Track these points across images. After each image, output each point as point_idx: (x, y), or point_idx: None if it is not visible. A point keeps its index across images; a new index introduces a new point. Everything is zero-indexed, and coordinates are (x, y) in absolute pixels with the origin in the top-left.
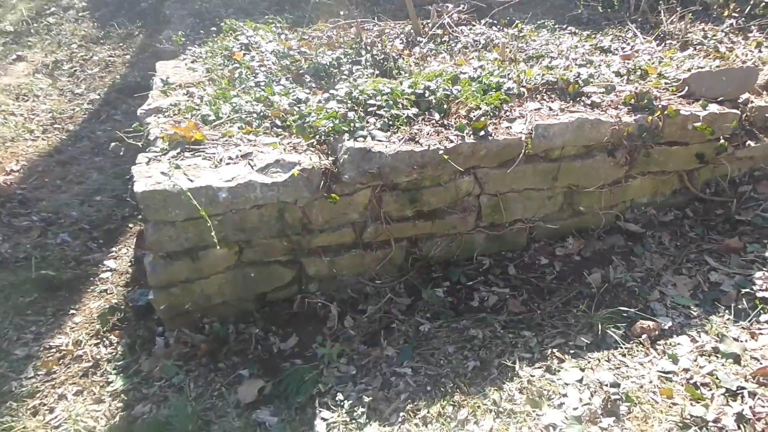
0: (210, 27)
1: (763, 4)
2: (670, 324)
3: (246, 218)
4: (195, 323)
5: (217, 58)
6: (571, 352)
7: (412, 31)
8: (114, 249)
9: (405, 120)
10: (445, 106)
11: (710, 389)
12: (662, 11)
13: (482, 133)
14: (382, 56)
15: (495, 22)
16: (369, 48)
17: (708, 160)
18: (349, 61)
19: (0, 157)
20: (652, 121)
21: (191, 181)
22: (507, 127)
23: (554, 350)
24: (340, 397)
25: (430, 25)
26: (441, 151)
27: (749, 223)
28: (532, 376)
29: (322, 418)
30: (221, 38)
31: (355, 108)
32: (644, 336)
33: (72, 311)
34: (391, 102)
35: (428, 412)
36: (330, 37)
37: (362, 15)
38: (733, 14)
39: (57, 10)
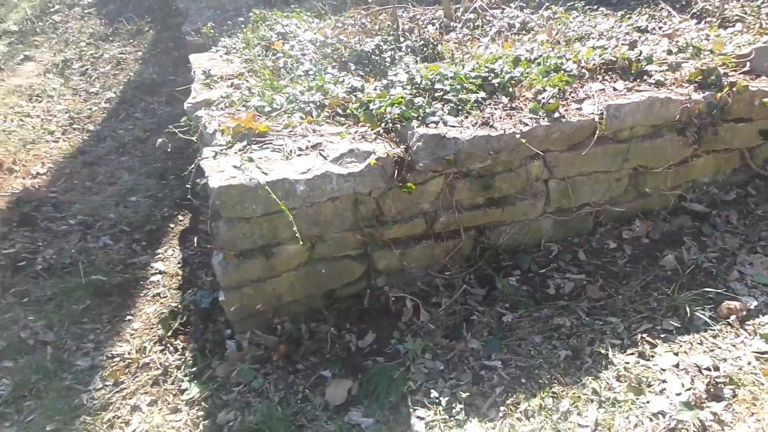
0: (233, 18)
1: None
2: (755, 304)
3: (320, 211)
4: (266, 324)
5: (255, 49)
6: (662, 336)
7: (443, 16)
8: (159, 251)
9: (474, 104)
10: (510, 89)
11: None
12: None
13: (555, 115)
14: (422, 42)
15: (524, 4)
16: (407, 34)
17: None
18: (390, 48)
19: (23, 160)
20: (721, 97)
21: (266, 174)
22: (577, 109)
23: (643, 335)
24: (434, 394)
25: (461, 10)
26: (518, 135)
27: None
28: (626, 362)
29: (419, 417)
30: (251, 29)
31: (421, 93)
32: (732, 317)
33: (128, 317)
34: (457, 86)
35: (529, 405)
36: (364, 24)
37: (392, 1)
38: None
39: (61, 7)
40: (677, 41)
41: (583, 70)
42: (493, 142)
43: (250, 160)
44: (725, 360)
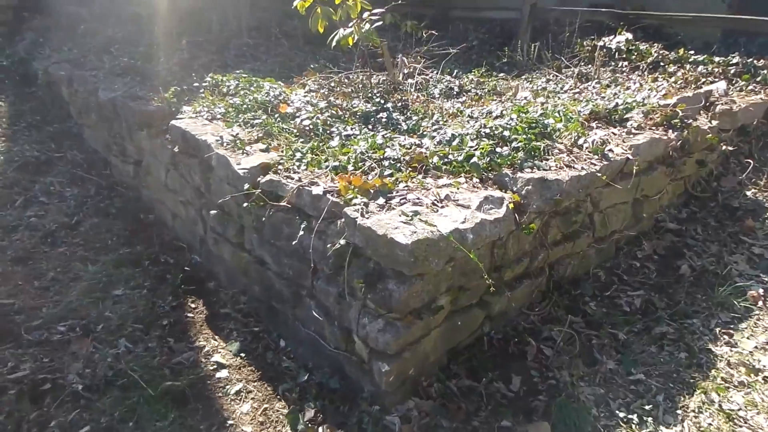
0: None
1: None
2: (762, 289)
3: (468, 260)
4: (414, 389)
5: (258, 111)
6: (730, 326)
7: (389, 80)
8: (200, 344)
9: (542, 151)
10: (555, 137)
11: None
12: (563, 58)
13: (600, 155)
14: (401, 103)
15: (438, 72)
16: (386, 96)
17: (706, 163)
18: (379, 108)
19: None
20: (686, 136)
21: (434, 226)
22: (609, 150)
23: (717, 329)
24: (619, 414)
25: (401, 75)
26: (600, 174)
27: (742, 207)
28: (725, 352)
29: None
30: (212, 93)
31: (498, 142)
32: (759, 302)
33: (229, 422)
34: (521, 135)
35: (693, 403)
36: (332, 88)
37: (323, 67)
38: (603, 59)
39: None
40: (586, 98)
41: (581, 120)
42: (583, 180)
43: (416, 213)
44: None
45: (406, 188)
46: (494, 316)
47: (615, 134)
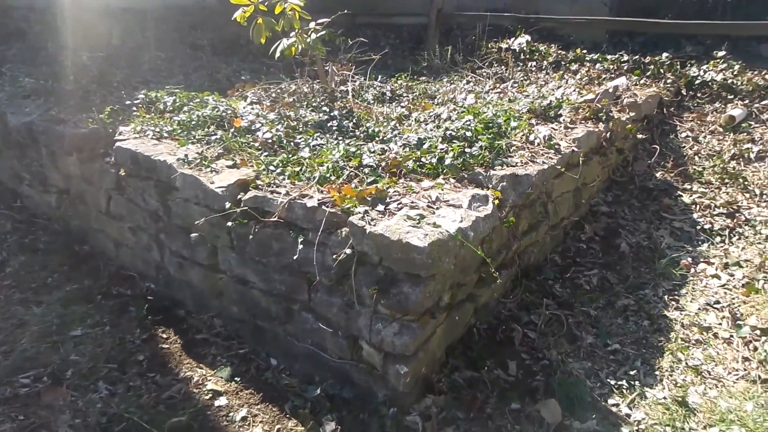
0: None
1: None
2: (690, 258)
3: (465, 257)
4: (427, 387)
5: (210, 128)
6: (674, 293)
7: (323, 89)
8: (187, 374)
9: (505, 148)
10: (509, 134)
11: None
12: (476, 60)
13: (554, 150)
14: (346, 110)
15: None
16: (330, 104)
17: (623, 151)
18: (328, 117)
19: None
20: (611, 127)
21: (439, 227)
22: (556, 144)
23: (665, 296)
24: (611, 382)
25: (333, 83)
26: (558, 166)
27: (656, 188)
28: (678, 316)
29: (615, 404)
30: (146, 111)
31: (464, 144)
32: (691, 269)
33: None
34: (482, 135)
35: (665, 364)
36: (275, 98)
37: (255, 79)
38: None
39: None
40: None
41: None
42: (546, 173)
43: (422, 217)
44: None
45: (396, 193)
46: (479, 307)
47: (555, 129)
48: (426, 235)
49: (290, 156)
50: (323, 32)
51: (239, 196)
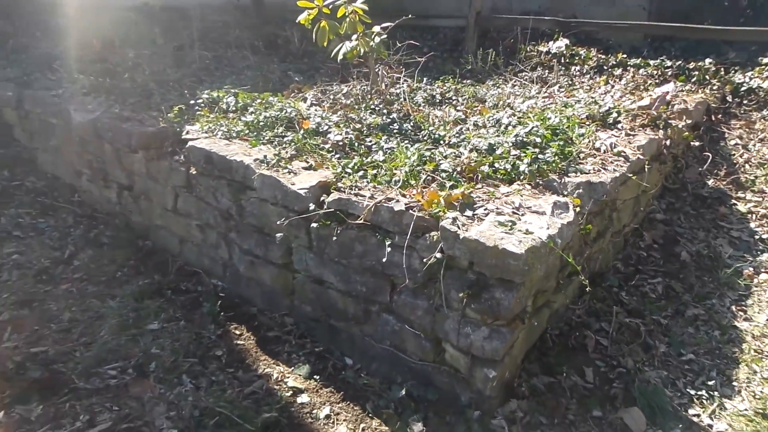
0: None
1: (568, 55)
2: (751, 268)
3: (551, 263)
4: (510, 392)
5: (278, 129)
6: (740, 304)
7: (372, 91)
8: (262, 370)
9: (576, 155)
10: (575, 141)
11: None
12: (517, 63)
13: (622, 157)
14: (402, 113)
15: (413, 80)
16: (387, 107)
17: (679, 159)
18: (388, 120)
19: None
20: (669, 134)
21: (532, 233)
22: (622, 151)
23: (731, 306)
24: (690, 391)
25: (383, 85)
26: (629, 174)
27: (710, 196)
28: (745, 326)
29: (695, 414)
30: (210, 111)
31: (538, 149)
32: (754, 280)
33: None
34: (554, 142)
35: (741, 375)
36: (331, 100)
37: (308, 80)
38: (550, 64)
39: None
40: (559, 101)
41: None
42: (618, 181)
43: (513, 223)
44: None
45: (480, 199)
46: (552, 314)
47: (616, 136)
48: (520, 242)
49: (364, 159)
50: (385, 36)
51: (321, 198)
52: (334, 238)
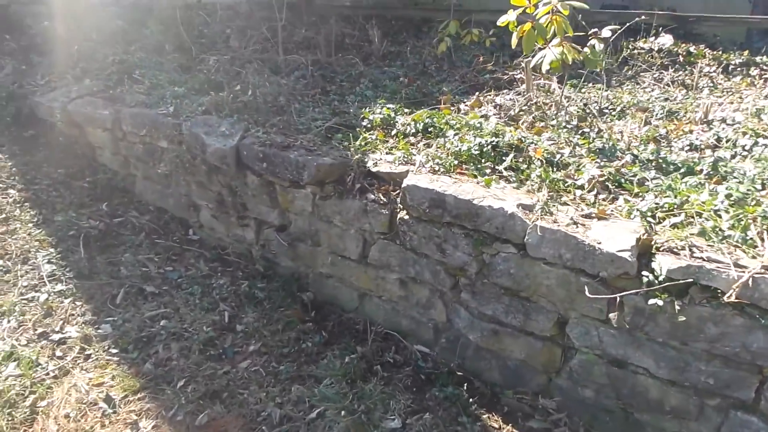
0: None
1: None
2: None
3: None
4: None
5: (497, 159)
6: None
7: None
8: None
9: None
10: None
11: None
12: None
13: None
14: (597, 129)
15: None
16: (579, 123)
17: None
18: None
19: None
20: None
21: None
22: None
23: None
24: None
25: (534, 91)
26: None
27: None
28: None
29: None
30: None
31: None
32: None
33: None
34: None
35: None
36: (511, 115)
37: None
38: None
39: None
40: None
41: None
42: None
43: None
44: None
45: None
46: None
47: None
48: None
49: (660, 200)
50: (602, 46)
51: (643, 261)
52: (666, 314)
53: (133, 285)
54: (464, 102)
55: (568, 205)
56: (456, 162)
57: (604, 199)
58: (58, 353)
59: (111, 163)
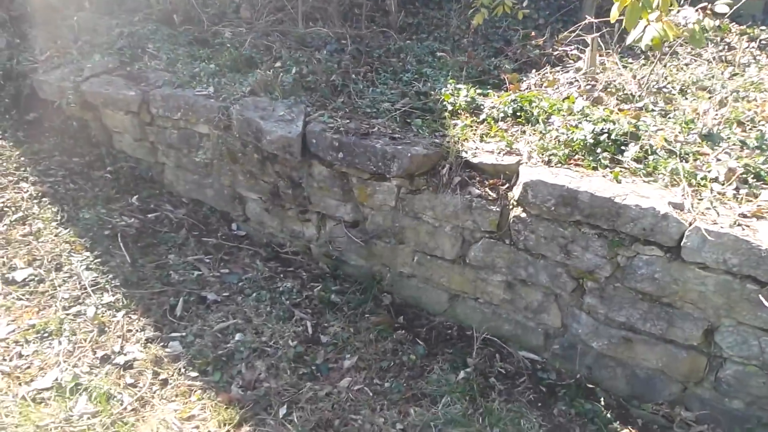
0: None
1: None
2: None
3: None
4: None
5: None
6: None
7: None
8: None
9: None
10: None
11: None
12: None
13: None
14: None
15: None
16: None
17: None
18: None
19: None
20: None
21: None
22: None
23: None
24: None
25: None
26: None
27: None
28: None
29: None
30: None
31: None
32: None
33: None
34: None
35: None
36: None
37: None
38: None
39: None
40: None
41: None
42: None
43: None
44: None
45: None
46: None
47: None
48: None
49: None
50: (714, 23)
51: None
52: None
53: (190, 292)
54: (524, 80)
55: (713, 202)
56: (566, 150)
57: (747, 195)
58: (129, 380)
59: (133, 151)
